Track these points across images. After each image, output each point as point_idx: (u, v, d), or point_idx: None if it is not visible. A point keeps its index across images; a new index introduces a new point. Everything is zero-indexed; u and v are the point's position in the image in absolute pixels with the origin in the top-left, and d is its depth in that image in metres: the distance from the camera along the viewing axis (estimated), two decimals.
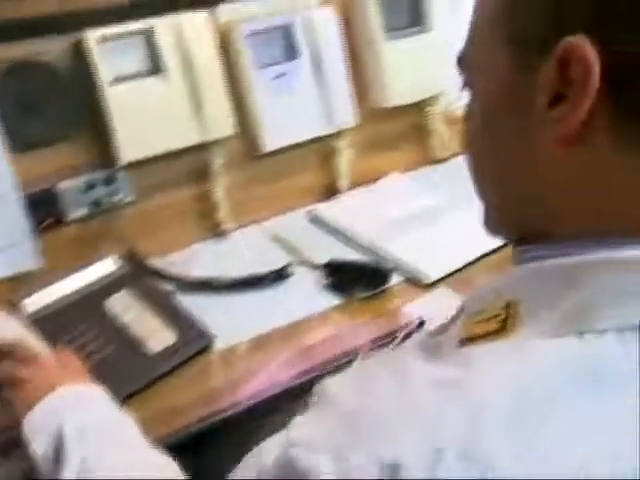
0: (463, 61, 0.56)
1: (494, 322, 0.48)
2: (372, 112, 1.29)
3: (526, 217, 0.52)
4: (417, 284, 1.05)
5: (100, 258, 1.01)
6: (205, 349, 0.93)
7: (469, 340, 0.48)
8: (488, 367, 0.43)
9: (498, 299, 0.49)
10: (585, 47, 0.43)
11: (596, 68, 0.43)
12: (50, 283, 0.97)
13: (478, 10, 0.52)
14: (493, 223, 0.57)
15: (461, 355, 0.47)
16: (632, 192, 0.45)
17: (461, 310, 0.55)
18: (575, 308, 0.45)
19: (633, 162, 0.44)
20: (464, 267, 1.08)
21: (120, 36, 1.04)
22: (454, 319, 0.55)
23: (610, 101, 0.43)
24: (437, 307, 0.98)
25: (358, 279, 1.04)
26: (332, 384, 0.48)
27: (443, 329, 0.55)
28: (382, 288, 1.03)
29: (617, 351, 0.42)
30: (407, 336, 0.93)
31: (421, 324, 0.96)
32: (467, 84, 0.54)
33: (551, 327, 0.45)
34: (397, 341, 0.93)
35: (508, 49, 0.48)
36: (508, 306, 0.48)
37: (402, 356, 0.52)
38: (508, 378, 0.42)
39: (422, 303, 1.02)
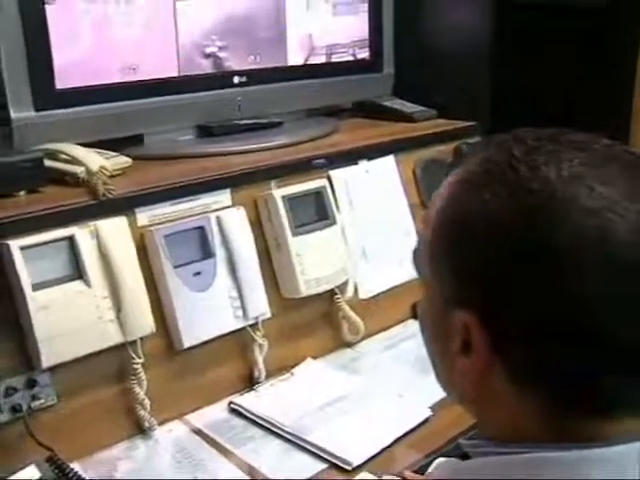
0: (416, 259, 0.65)
1: None
2: (285, 303, 1.36)
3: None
4: (340, 470, 1.08)
5: (21, 465, 0.99)
6: None
7: None
8: None
9: None
10: (475, 325, 0.54)
11: (482, 343, 0.54)
12: None
13: (427, 227, 0.61)
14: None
15: None
16: (518, 410, 0.56)
17: None
18: None
19: (518, 391, 0.56)
20: (384, 449, 1.12)
21: (42, 244, 1.09)
22: None
23: (500, 359, 0.55)
24: None
25: None
26: None
27: None
28: None
29: None
30: None
31: None
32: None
33: None
34: None
35: (440, 287, 0.59)
36: None
37: None
38: None
39: None
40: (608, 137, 0.58)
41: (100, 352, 1.12)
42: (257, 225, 1.33)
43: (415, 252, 0.64)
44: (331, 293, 1.41)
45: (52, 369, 1.08)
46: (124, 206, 1.19)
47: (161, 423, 1.18)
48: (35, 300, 1.06)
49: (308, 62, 1.67)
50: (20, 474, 0.98)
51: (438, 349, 0.62)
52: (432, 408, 1.21)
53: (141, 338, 1.16)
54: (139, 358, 1.15)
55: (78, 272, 1.11)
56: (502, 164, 0.54)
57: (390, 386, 1.28)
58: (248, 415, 1.21)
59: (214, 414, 1.23)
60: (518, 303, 0.52)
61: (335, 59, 1.72)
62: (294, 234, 1.34)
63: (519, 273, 0.51)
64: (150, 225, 1.21)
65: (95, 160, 1.21)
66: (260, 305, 1.30)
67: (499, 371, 0.55)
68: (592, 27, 1.80)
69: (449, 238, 0.56)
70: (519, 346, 0.53)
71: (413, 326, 1.52)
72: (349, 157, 1.50)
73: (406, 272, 1.55)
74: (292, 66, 1.64)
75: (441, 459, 0.78)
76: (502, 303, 0.52)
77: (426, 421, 1.18)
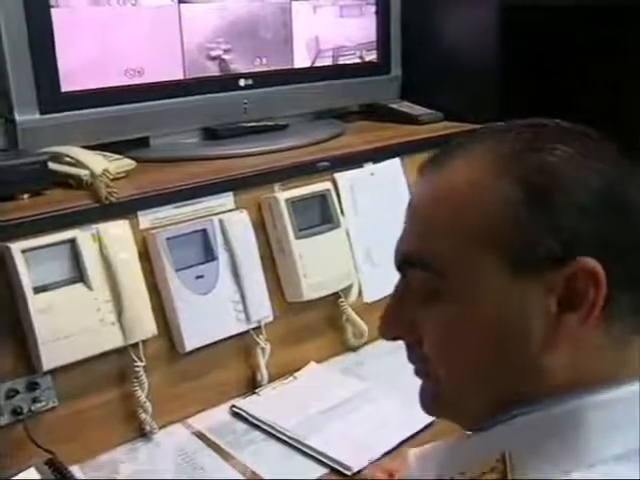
0: (415, 258, 0.62)
1: (494, 474, 0.55)
2: (288, 306, 1.35)
3: (503, 389, 0.59)
4: (340, 475, 1.08)
5: (21, 468, 1.00)
6: None
7: None
8: None
9: (487, 454, 0.56)
10: (598, 269, 0.54)
11: (604, 286, 0.54)
12: None
13: (452, 222, 0.60)
14: (449, 403, 0.64)
15: None
16: (611, 354, 0.57)
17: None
18: (569, 447, 0.54)
19: (617, 336, 0.56)
20: (387, 454, 1.11)
21: (44, 246, 1.09)
22: None
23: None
24: None
25: None
26: None
27: None
28: None
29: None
30: None
31: None
32: (429, 283, 0.61)
33: (552, 468, 0.53)
34: None
35: (505, 264, 0.57)
36: (503, 458, 0.55)
37: None
38: None
39: None
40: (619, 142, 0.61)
41: (101, 355, 1.12)
42: (261, 228, 1.33)
43: (425, 248, 0.62)
44: (335, 297, 1.41)
45: (53, 372, 1.08)
46: (126, 209, 1.19)
47: (162, 426, 1.18)
48: (36, 303, 1.06)
49: (315, 64, 1.67)
50: (20, 476, 0.98)
51: (513, 341, 0.57)
52: None
53: (143, 341, 1.16)
54: (141, 361, 1.15)
55: (80, 275, 1.11)
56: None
57: (394, 390, 1.28)
58: (250, 419, 1.21)
59: (216, 417, 1.23)
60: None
61: (342, 61, 1.72)
62: (298, 237, 1.33)
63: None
64: (152, 228, 1.21)
65: (99, 163, 1.21)
66: (263, 308, 1.30)
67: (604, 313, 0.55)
68: (603, 29, 1.78)
69: (544, 200, 0.56)
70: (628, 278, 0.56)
71: None
72: (354, 160, 1.50)
73: None
74: (298, 68, 1.64)
75: (414, 450, 0.74)
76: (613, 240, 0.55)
77: (429, 425, 1.17)
